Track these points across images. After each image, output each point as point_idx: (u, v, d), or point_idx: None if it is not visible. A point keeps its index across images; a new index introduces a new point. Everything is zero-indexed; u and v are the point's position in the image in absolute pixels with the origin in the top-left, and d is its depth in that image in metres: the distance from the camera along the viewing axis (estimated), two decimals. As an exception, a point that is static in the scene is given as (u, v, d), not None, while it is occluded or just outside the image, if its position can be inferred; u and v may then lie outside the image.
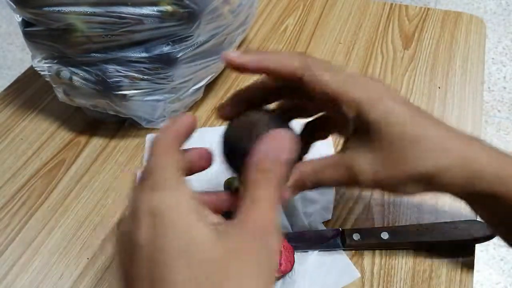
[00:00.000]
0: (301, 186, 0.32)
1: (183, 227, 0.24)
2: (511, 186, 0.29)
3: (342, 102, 0.30)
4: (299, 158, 0.35)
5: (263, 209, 0.25)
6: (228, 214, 0.29)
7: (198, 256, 0.23)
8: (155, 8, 0.44)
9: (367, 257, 0.42)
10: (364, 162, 0.30)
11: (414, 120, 0.31)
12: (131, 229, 0.25)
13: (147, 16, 0.44)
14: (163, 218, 0.24)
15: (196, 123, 0.29)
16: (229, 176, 0.45)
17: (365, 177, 0.30)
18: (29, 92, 0.60)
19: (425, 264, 0.41)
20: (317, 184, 0.32)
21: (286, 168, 0.27)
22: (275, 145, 0.27)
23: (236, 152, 0.31)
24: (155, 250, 0.23)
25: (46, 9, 0.43)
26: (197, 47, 0.49)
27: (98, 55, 0.46)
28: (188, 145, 0.30)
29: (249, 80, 0.61)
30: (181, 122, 0.29)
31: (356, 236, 0.41)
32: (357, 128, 0.31)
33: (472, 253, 0.42)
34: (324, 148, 0.48)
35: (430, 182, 0.30)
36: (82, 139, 0.55)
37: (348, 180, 0.31)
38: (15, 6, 0.45)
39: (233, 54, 0.31)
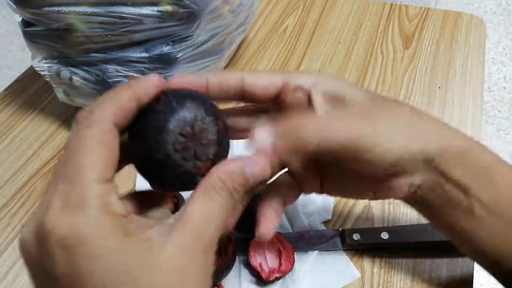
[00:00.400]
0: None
1: (108, 254, 0.21)
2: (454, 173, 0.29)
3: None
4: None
5: (204, 221, 0.23)
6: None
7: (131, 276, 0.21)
8: (155, 8, 0.44)
9: (367, 257, 0.42)
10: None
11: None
12: (43, 261, 0.21)
13: (147, 16, 0.44)
14: (81, 251, 0.21)
15: (156, 88, 0.25)
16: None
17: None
18: (29, 92, 0.61)
19: (425, 264, 0.41)
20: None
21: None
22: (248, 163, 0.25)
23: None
24: (79, 282, 0.21)
25: (46, 9, 0.43)
26: (197, 47, 0.49)
27: (98, 55, 0.46)
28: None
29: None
30: (138, 82, 0.24)
31: (356, 236, 0.41)
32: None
33: (472, 253, 0.42)
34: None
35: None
36: (82, 139, 0.54)
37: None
38: (15, 6, 0.45)
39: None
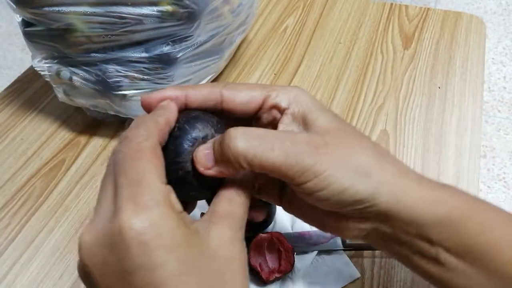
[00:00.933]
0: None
1: (179, 245, 0.23)
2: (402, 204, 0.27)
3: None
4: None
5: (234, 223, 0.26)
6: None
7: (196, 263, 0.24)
8: (155, 8, 0.44)
9: (367, 257, 0.42)
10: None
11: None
12: (117, 258, 0.23)
13: (147, 16, 0.44)
14: (158, 243, 0.23)
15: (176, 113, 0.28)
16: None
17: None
18: (29, 92, 0.61)
19: (425, 264, 0.41)
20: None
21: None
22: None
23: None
24: (152, 273, 0.23)
25: (46, 9, 0.43)
26: (197, 47, 0.49)
27: (98, 55, 0.46)
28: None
29: (249, 79, 0.61)
30: (165, 109, 0.28)
31: (356, 236, 0.41)
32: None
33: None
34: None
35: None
36: (82, 139, 0.55)
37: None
38: (15, 6, 0.45)
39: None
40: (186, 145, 0.28)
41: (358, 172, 0.26)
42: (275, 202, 0.32)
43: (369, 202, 0.27)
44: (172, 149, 0.28)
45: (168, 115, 0.28)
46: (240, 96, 0.30)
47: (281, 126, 0.29)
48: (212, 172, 0.27)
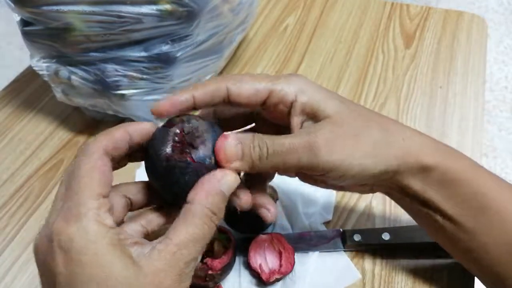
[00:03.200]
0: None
1: (96, 263, 0.24)
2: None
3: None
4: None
5: (190, 245, 0.26)
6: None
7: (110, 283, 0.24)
8: (154, 7, 0.43)
9: (368, 258, 0.42)
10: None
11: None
12: (48, 260, 0.25)
13: (146, 15, 0.43)
14: (75, 255, 0.24)
15: (147, 129, 0.30)
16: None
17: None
18: (27, 92, 0.60)
19: (426, 265, 0.41)
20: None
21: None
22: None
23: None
24: (71, 282, 0.24)
25: (45, 8, 0.43)
26: (197, 46, 0.48)
27: (97, 54, 0.46)
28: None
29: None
30: (119, 131, 0.29)
31: (357, 237, 0.41)
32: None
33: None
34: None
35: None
36: (81, 139, 0.54)
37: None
38: (13, 5, 0.44)
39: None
40: (168, 138, 0.29)
41: (366, 155, 0.31)
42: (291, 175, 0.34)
43: (386, 175, 0.32)
44: (153, 146, 0.29)
45: (129, 127, 0.29)
46: (246, 90, 0.31)
47: (294, 119, 0.31)
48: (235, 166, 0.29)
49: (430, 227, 0.34)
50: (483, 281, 0.34)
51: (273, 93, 0.31)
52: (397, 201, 0.35)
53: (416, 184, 0.32)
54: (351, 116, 0.31)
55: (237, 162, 0.29)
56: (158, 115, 0.30)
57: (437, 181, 0.31)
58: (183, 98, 0.30)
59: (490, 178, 0.32)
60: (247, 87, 0.31)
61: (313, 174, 0.32)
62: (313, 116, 0.31)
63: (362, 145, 0.31)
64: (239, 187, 0.30)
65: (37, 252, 0.27)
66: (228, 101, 0.31)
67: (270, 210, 0.33)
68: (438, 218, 0.32)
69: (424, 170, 0.31)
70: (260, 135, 0.30)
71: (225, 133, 0.30)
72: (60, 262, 0.24)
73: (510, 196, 0.31)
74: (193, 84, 0.31)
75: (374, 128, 0.31)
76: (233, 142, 0.29)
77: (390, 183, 0.32)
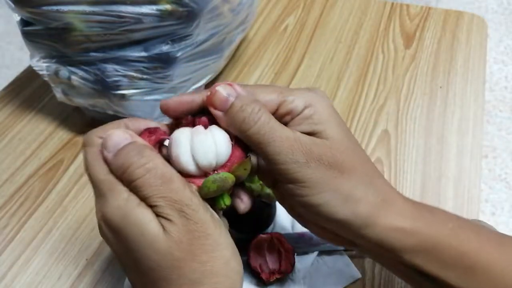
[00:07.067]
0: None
1: (138, 233, 0.26)
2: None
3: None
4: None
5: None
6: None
7: (155, 246, 0.26)
8: (154, 7, 0.43)
9: (368, 258, 0.42)
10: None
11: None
12: (105, 238, 0.28)
13: (146, 15, 0.43)
14: (120, 230, 0.26)
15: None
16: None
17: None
18: (27, 92, 0.60)
19: (426, 265, 0.41)
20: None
21: None
22: None
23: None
24: (128, 254, 0.27)
25: (45, 8, 0.43)
26: (197, 46, 0.48)
27: (97, 54, 0.46)
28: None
29: (249, 79, 0.60)
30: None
31: (356, 237, 0.41)
32: None
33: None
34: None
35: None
36: (81, 139, 0.54)
37: None
38: (13, 5, 0.44)
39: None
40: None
41: (343, 196, 0.28)
42: (268, 185, 0.33)
43: (346, 225, 0.28)
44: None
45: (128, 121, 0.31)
46: (260, 99, 0.30)
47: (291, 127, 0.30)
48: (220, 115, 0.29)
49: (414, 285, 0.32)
50: None
51: (284, 104, 0.30)
52: (375, 258, 0.33)
53: (394, 244, 0.29)
54: (349, 149, 0.30)
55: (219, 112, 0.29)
56: (166, 112, 0.30)
57: (416, 246, 0.29)
58: (191, 99, 0.30)
59: (475, 237, 0.31)
60: (259, 97, 0.30)
61: (286, 177, 0.29)
62: (311, 131, 0.30)
63: (345, 184, 0.29)
64: (241, 189, 0.30)
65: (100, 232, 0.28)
66: None
67: (243, 200, 0.32)
68: (420, 279, 0.30)
69: (402, 232, 0.29)
70: (264, 108, 0.29)
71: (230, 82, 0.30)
72: (111, 238, 0.27)
73: (495, 252, 0.30)
74: (202, 89, 0.31)
75: (361, 175, 0.29)
76: (224, 94, 0.29)
77: (362, 236, 0.29)
